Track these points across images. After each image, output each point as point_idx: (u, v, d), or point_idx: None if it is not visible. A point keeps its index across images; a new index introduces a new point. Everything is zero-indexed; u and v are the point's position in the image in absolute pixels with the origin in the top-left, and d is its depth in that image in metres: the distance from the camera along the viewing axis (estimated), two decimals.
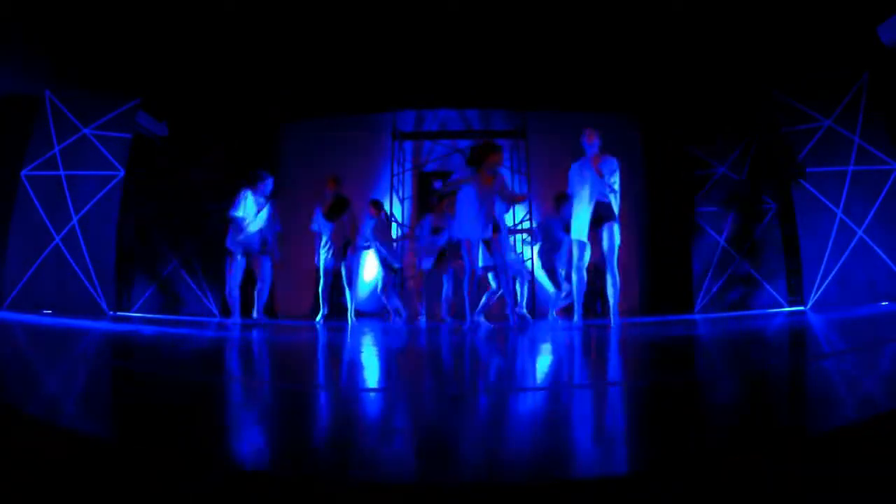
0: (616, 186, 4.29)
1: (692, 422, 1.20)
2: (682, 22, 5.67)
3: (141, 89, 6.58)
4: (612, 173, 4.28)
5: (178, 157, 7.29)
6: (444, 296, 6.15)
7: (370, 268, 7.97)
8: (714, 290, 6.91)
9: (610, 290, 4.31)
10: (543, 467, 0.86)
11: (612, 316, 4.33)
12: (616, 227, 4.25)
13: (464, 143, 8.54)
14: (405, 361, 2.54)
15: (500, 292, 5.20)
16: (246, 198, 5.26)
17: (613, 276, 4.25)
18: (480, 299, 5.36)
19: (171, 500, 0.80)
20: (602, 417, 1.30)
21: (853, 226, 5.94)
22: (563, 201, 6.07)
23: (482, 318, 5.08)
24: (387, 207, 7.26)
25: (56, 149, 6.25)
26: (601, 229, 4.26)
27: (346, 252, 6.15)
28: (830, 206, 6.03)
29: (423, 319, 6.35)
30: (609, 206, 4.27)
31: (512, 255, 5.11)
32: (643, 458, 0.93)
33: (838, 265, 5.96)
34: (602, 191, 4.26)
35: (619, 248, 4.34)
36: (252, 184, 5.31)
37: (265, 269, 5.40)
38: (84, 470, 0.88)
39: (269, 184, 5.39)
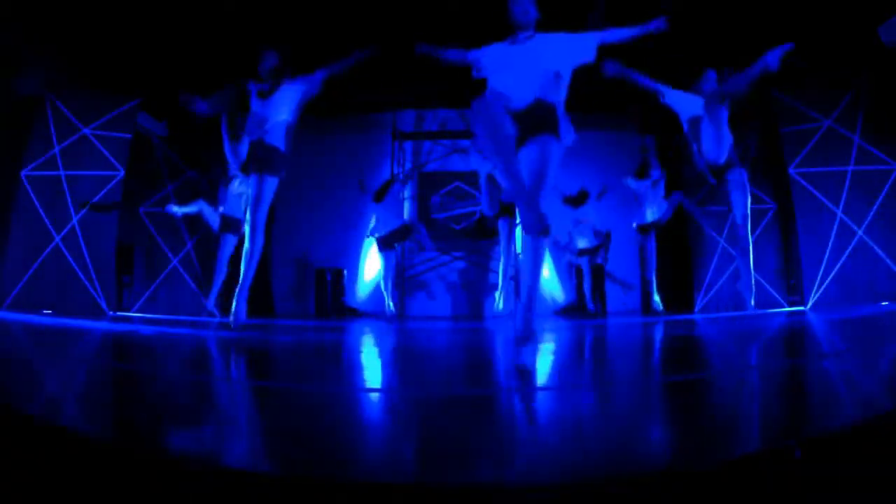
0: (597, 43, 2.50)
1: (693, 424, 1.20)
2: (681, 22, 5.66)
3: (141, 89, 6.58)
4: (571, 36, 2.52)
5: (178, 157, 7.29)
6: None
7: (372, 264, 7.96)
8: (714, 290, 6.90)
9: (529, 265, 2.20)
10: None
11: (520, 312, 2.18)
12: (550, 144, 2.27)
13: (464, 143, 8.54)
14: None
15: None
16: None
17: (533, 247, 2.18)
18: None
19: (171, 500, 0.80)
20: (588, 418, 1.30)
21: (853, 226, 5.94)
22: (583, 202, 6.24)
23: None
24: None
25: (56, 149, 6.25)
26: (524, 149, 2.29)
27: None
28: (830, 206, 6.03)
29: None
30: (550, 108, 2.35)
31: None
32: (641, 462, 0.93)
33: (838, 265, 5.95)
34: (542, 82, 2.36)
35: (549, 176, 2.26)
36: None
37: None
38: (84, 470, 0.88)
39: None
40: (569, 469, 0.86)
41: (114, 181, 6.34)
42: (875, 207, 5.87)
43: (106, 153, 6.36)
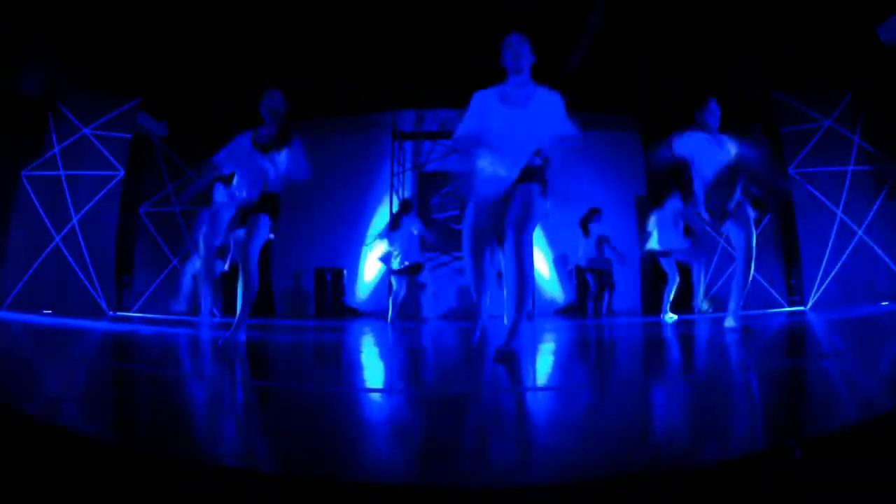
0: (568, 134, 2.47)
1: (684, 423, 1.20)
2: (681, 23, 5.66)
3: (141, 89, 6.58)
4: (559, 113, 2.50)
5: (178, 157, 7.30)
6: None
7: (370, 267, 7.96)
8: (714, 290, 6.90)
9: (515, 292, 2.37)
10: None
11: (512, 330, 2.32)
12: (535, 193, 2.42)
13: None
14: None
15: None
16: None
17: (518, 271, 2.34)
18: None
19: (171, 500, 0.80)
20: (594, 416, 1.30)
21: (853, 226, 5.94)
22: (595, 217, 6.29)
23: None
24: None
25: (56, 149, 6.25)
26: (511, 194, 2.42)
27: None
28: (830, 206, 6.03)
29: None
30: (540, 169, 2.49)
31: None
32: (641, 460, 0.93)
33: (838, 265, 5.95)
34: (531, 146, 2.46)
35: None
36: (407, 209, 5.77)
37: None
38: (84, 470, 0.88)
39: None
40: (569, 469, 0.86)
41: (114, 181, 6.34)
42: (875, 207, 5.87)
43: (106, 153, 6.36)
